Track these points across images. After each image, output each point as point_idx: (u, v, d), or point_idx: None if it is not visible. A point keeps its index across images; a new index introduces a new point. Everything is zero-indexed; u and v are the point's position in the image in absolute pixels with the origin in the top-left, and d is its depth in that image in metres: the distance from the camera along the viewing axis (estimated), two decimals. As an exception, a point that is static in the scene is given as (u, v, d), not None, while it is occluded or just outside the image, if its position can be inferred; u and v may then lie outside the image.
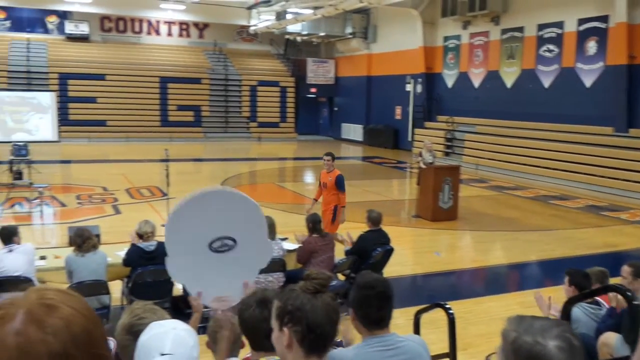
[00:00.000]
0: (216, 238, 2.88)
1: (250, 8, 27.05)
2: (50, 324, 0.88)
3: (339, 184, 8.71)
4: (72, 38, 28.13)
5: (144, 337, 1.96)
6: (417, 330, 4.47)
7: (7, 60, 25.52)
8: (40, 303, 0.90)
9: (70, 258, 5.74)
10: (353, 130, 29.43)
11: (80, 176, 16.69)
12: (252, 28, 29.22)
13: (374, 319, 2.42)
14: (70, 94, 25.45)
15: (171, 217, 2.95)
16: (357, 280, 2.56)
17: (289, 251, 6.69)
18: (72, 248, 6.00)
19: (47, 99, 16.53)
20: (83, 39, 28.24)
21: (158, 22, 30.19)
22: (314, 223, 6.63)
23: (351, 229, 7.76)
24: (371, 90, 28.39)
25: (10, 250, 5.58)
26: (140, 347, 1.94)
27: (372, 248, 6.78)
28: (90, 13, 27.84)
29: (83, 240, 5.77)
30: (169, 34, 30.60)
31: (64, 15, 28.23)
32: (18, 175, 13.97)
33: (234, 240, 2.91)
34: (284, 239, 6.98)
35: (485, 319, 6.60)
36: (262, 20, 27.75)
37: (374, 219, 6.99)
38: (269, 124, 29.63)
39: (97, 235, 7.13)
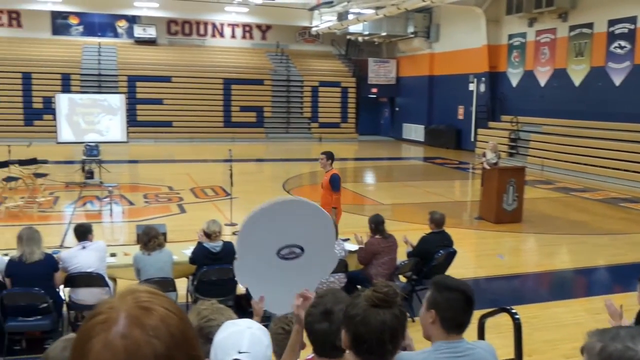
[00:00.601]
0: (285, 245, 2.93)
1: (312, 9, 27.21)
2: (151, 326, 0.90)
3: (333, 183, 8.39)
4: (140, 41, 29.05)
5: (221, 336, 2.00)
6: (481, 335, 4.40)
7: (80, 63, 26.63)
8: (137, 305, 0.93)
9: (138, 256, 5.93)
10: (414, 131, 29.17)
11: (147, 176, 17.21)
12: (313, 29, 29.41)
13: (458, 322, 2.40)
14: (138, 95, 26.32)
15: (245, 222, 3.02)
16: (438, 282, 2.51)
17: (351, 252, 6.71)
18: (139, 246, 6.21)
19: (117, 101, 17.14)
20: (151, 42, 29.12)
21: (222, 24, 30.78)
22: (376, 224, 6.62)
23: (412, 231, 7.72)
24: (433, 90, 28.07)
25: (84, 248, 5.82)
26: (216, 345, 1.98)
27: (435, 250, 6.71)
28: (157, 17, 28.67)
29: (149, 239, 5.95)
30: (233, 36, 31.15)
31: (132, 20, 29.20)
32: (89, 174, 14.55)
33: (301, 249, 2.95)
34: (346, 240, 7.00)
35: (551, 325, 6.43)
36: (323, 21, 27.89)
37: (437, 221, 6.92)
38: (330, 125, 29.73)
39: (164, 234, 7.32)
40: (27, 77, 25.36)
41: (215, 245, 6.03)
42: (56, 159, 16.89)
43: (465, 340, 2.42)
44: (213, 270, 5.94)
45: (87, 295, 5.76)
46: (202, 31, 30.67)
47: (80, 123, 16.56)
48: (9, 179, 11.81)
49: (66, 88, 24.95)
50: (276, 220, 2.93)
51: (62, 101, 16.87)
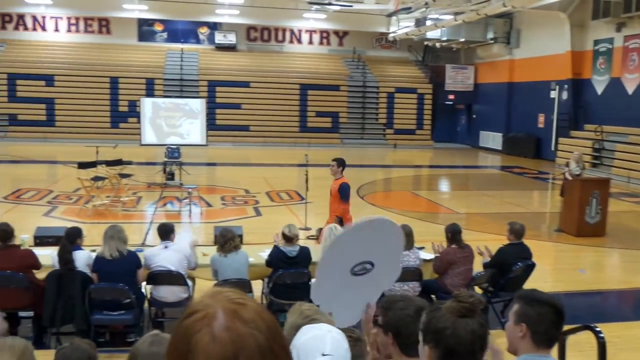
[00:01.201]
0: (358, 263, 2.94)
1: (389, 15, 27.15)
2: (250, 319, 0.94)
3: (342, 192, 8.02)
4: (221, 47, 29.85)
5: (303, 339, 2.04)
6: (562, 353, 4.26)
7: (164, 69, 27.67)
8: (231, 302, 0.97)
9: (215, 258, 6.09)
10: (492, 139, 28.51)
11: (225, 178, 17.63)
12: (391, 35, 29.32)
13: (549, 337, 2.35)
14: (218, 100, 27.06)
15: (327, 251, 3.07)
16: (527, 296, 2.46)
17: (426, 261, 6.64)
18: (216, 247, 6.39)
19: (198, 105, 17.69)
20: (230, 48, 29.87)
21: (300, 31, 31.20)
22: (453, 233, 6.53)
23: (489, 241, 7.54)
24: (512, 97, 27.36)
25: (166, 247, 6.04)
26: (299, 348, 2.02)
27: (513, 262, 6.55)
28: (237, 24, 29.38)
29: (225, 241, 6.09)
30: (310, 42, 31.49)
31: (214, 27, 30.05)
32: (170, 176, 15.06)
33: (372, 264, 2.95)
34: (421, 248, 6.93)
35: (637, 346, 6.14)
36: (401, 27, 27.76)
37: (517, 232, 6.74)
38: (405, 131, 29.51)
39: (240, 236, 7.50)
40: (114, 82, 26.59)
41: (291, 250, 6.12)
42: (139, 160, 17.57)
43: (552, 357, 2.36)
44: (288, 273, 6.02)
45: (167, 292, 5.98)
46: (280, 37, 31.18)
47: (163, 126, 17.19)
48: (96, 179, 12.38)
49: (150, 92, 26.00)
50: (354, 243, 2.94)
51: (147, 105, 17.56)
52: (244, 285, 5.84)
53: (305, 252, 6.24)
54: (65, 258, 5.60)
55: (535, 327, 2.32)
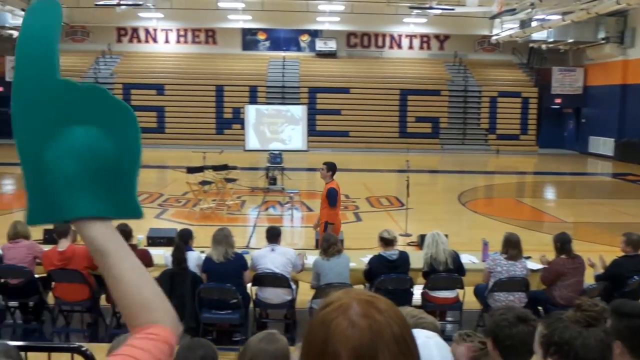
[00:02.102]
0: None
1: (493, 18, 26.46)
2: (384, 309, 0.98)
3: (330, 197, 7.87)
4: (321, 54, 30.28)
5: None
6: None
7: (266, 76, 28.46)
8: (362, 294, 1.02)
9: (318, 262, 6.20)
10: (602, 144, 27.03)
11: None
12: (494, 38, 28.57)
13: None
14: (318, 106, 27.47)
15: None
16: (615, 309, 2.34)
17: (533, 271, 6.42)
18: (318, 251, 6.49)
19: (299, 112, 18.04)
20: (331, 55, 30.23)
21: (400, 36, 31.06)
22: (562, 243, 6.27)
23: (600, 253, 7.17)
24: (626, 100, 25.81)
25: (273, 250, 6.22)
26: None
27: (628, 275, 6.18)
28: (338, 31, 29.69)
29: (329, 245, 6.19)
30: (410, 47, 31.28)
31: (315, 34, 30.55)
32: (273, 181, 15.45)
33: None
34: (527, 258, 6.71)
35: None
36: (504, 29, 26.99)
37: (634, 243, 6.34)
38: (509, 137, 28.60)
39: (341, 241, 7.57)
40: (219, 90, 27.68)
41: (391, 254, 6.11)
42: (243, 165, 18.13)
43: None
44: (390, 279, 6.02)
45: (272, 294, 6.15)
46: (380, 43, 31.20)
47: (266, 132, 17.65)
48: (203, 183, 12.92)
49: (253, 99, 26.82)
50: None
51: (250, 112, 18.12)
52: (346, 290, 5.89)
53: (405, 257, 6.23)
54: (179, 258, 5.90)
55: (630, 342, 2.17)
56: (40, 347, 3.65)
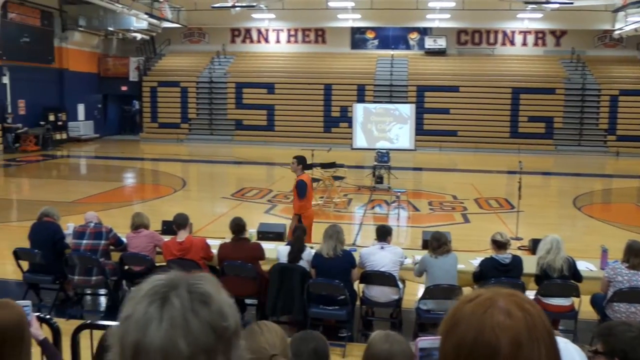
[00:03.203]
0: None
1: (616, 11, 24.94)
2: (531, 303, 1.03)
3: (298, 189, 8.14)
4: (430, 52, 29.86)
5: None
6: None
7: (374, 75, 28.48)
8: (501, 290, 1.07)
9: (427, 258, 6.16)
10: None
11: (432, 183, 17.61)
12: (616, 32, 26.92)
13: None
14: (426, 105, 27.11)
15: None
16: None
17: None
18: (424, 251, 6.45)
19: (407, 110, 17.87)
20: (440, 53, 29.74)
21: (513, 32, 30.01)
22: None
23: None
24: None
25: (382, 248, 6.25)
26: None
27: None
28: (448, 28, 29.16)
29: (439, 245, 6.14)
30: (524, 44, 30.14)
31: (424, 32, 30.19)
32: (379, 179, 15.47)
33: None
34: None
35: None
36: (629, 22, 25.33)
37: None
38: (631, 138, 26.78)
39: (449, 242, 7.46)
40: (327, 88, 28.02)
41: (504, 257, 5.96)
42: (349, 164, 18.27)
43: None
44: (501, 282, 5.85)
45: (378, 292, 6.17)
46: (492, 40, 30.30)
47: (373, 131, 17.65)
48: (312, 180, 13.14)
49: (361, 98, 26.92)
50: None
51: (358, 110, 18.17)
52: (455, 292, 5.81)
53: (518, 261, 6.05)
54: (299, 251, 6.10)
55: None
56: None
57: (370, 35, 30.93)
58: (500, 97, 27.20)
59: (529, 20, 28.16)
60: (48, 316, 3.65)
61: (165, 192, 15.35)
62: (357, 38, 31.01)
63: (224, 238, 7.19)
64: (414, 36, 30.61)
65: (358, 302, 6.41)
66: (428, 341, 1.47)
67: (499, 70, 28.32)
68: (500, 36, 30.24)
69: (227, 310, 0.99)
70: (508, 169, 20.91)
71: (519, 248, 9.58)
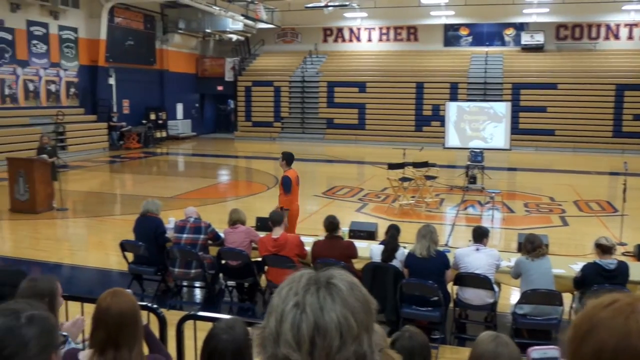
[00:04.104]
0: None
1: None
2: None
3: (283, 184, 8.55)
4: (527, 48, 28.84)
5: None
6: None
7: (467, 72, 27.86)
8: (631, 295, 1.08)
9: (522, 261, 5.99)
10: None
11: (527, 184, 17.02)
12: None
13: None
14: (522, 103, 26.21)
15: None
16: None
17: None
18: (519, 254, 6.25)
19: (502, 109, 17.32)
20: (537, 49, 28.67)
21: (618, 25, 28.44)
22: None
23: None
24: None
25: (478, 250, 6.12)
26: None
27: None
28: (546, 23, 28.06)
29: (534, 248, 5.95)
30: (630, 38, 28.49)
31: (520, 27, 29.21)
32: (472, 179, 15.13)
33: None
34: None
35: None
36: None
37: None
38: None
39: (546, 245, 7.21)
40: (419, 87, 27.70)
41: (609, 263, 5.69)
42: (441, 163, 17.99)
43: None
44: (605, 289, 5.56)
45: (473, 295, 6.05)
46: (593, 34, 28.85)
47: (466, 130, 17.26)
48: (403, 179, 13.06)
49: (453, 96, 26.44)
50: None
51: (451, 109, 17.84)
52: (554, 297, 5.62)
53: (624, 267, 5.75)
54: (393, 250, 6.10)
55: None
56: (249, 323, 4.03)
57: (463, 32, 30.29)
58: (603, 95, 25.84)
59: (635, 13, 26.60)
60: (155, 306, 3.85)
61: (258, 190, 15.73)
62: (450, 35, 30.45)
63: (317, 235, 7.29)
64: (509, 32, 29.68)
65: (451, 304, 6.33)
66: (541, 351, 1.44)
67: (601, 66, 26.93)
68: (603, 30, 28.74)
69: (368, 295, 1.13)
70: (611, 170, 19.89)
71: (623, 254, 9.09)
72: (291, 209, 8.48)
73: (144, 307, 3.26)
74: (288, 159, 8.69)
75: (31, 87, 21.45)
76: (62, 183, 13.03)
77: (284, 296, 1.08)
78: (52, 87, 22.49)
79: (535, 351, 1.46)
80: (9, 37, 20.30)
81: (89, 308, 3.84)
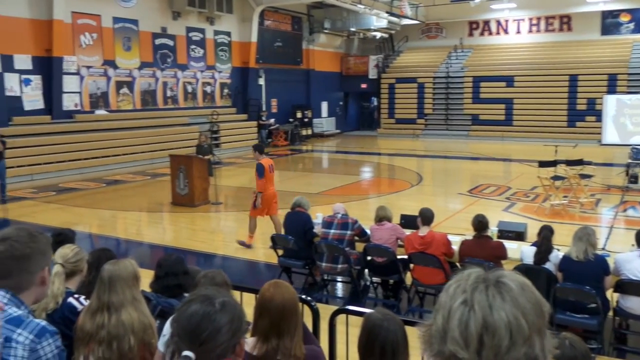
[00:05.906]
0: None
1: None
2: None
3: (257, 170, 9.54)
4: (700, 35, 26.11)
5: None
6: None
7: (628, 62, 25.71)
8: None
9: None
10: None
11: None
12: None
13: None
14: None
15: None
16: None
17: None
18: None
19: (669, 102, 15.91)
20: None
21: None
22: None
23: None
24: None
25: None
26: None
27: None
28: None
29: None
30: None
31: (692, 11, 26.50)
32: (633, 178, 14.01)
33: None
34: None
35: None
36: None
37: None
38: None
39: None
40: (573, 79, 26.06)
41: None
42: (597, 161, 16.85)
43: None
44: None
45: (637, 304, 5.62)
46: None
47: (627, 125, 16.08)
48: (555, 178, 12.40)
49: (612, 89, 24.54)
50: None
51: (609, 102, 16.67)
52: None
53: None
54: (546, 252, 5.89)
55: None
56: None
57: (624, 18, 27.98)
58: None
59: None
60: (309, 298, 4.00)
61: (401, 187, 15.71)
62: (609, 22, 28.28)
63: (463, 235, 7.16)
64: (678, 17, 27.03)
65: (610, 313, 5.92)
66: None
67: None
68: None
69: (540, 297, 1.09)
70: None
71: None
72: (265, 193, 9.54)
73: (299, 300, 3.40)
74: (259, 149, 9.98)
75: (189, 89, 23.06)
76: (217, 178, 13.87)
77: (451, 293, 1.09)
78: (208, 89, 24.01)
79: None
80: (170, 43, 21.96)
81: (247, 298, 4.08)
